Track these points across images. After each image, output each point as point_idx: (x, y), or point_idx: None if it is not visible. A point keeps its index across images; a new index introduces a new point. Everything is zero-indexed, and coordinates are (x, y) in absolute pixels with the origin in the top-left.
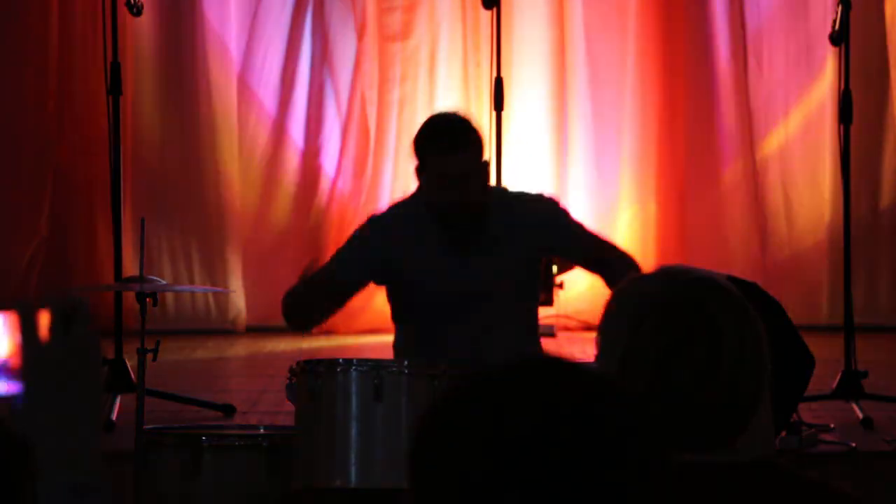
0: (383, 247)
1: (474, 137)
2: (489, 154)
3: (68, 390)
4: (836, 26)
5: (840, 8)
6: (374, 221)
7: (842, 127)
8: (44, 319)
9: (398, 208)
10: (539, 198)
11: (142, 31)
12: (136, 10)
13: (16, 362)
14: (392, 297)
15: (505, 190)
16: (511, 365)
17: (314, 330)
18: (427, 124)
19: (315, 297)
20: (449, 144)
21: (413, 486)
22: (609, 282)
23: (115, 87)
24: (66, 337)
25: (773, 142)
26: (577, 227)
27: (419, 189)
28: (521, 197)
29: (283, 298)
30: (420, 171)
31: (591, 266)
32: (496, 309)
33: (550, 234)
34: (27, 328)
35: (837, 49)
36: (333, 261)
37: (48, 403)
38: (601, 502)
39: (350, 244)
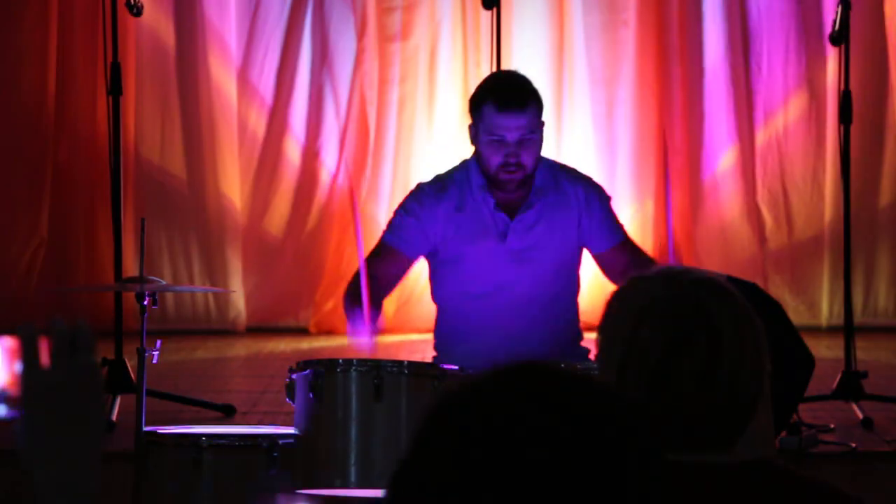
0: (430, 219)
1: (537, 98)
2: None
3: (67, 419)
4: (837, 26)
5: (840, 8)
6: (422, 191)
7: (842, 127)
8: (45, 345)
9: (442, 178)
10: (588, 179)
11: (142, 31)
12: (137, 11)
13: (15, 388)
14: (434, 274)
15: (555, 162)
16: (504, 369)
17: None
18: (490, 79)
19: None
20: (513, 100)
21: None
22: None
23: (115, 87)
24: (67, 364)
25: (772, 141)
26: (613, 220)
27: (474, 146)
28: (571, 174)
29: (346, 289)
30: (474, 129)
31: (604, 265)
32: (536, 293)
33: (581, 217)
34: (28, 353)
35: (837, 49)
36: (389, 238)
37: (46, 431)
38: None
39: (401, 218)
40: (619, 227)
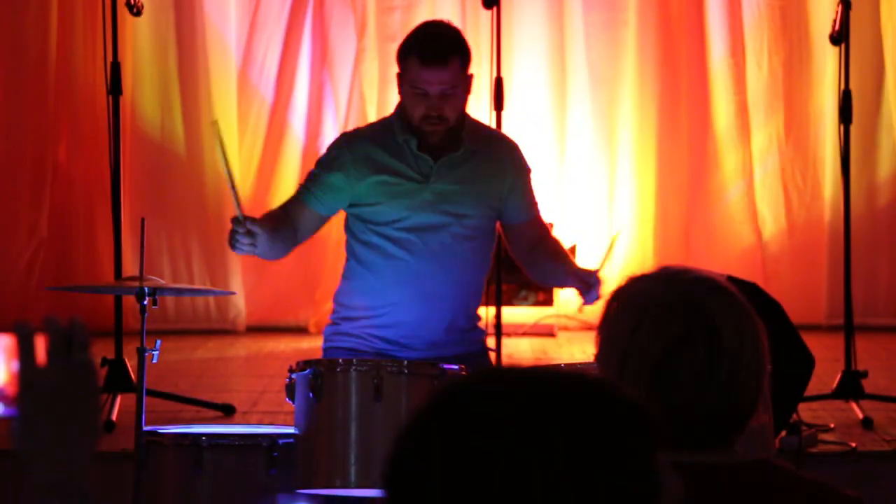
0: (358, 160)
1: (461, 52)
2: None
3: (63, 417)
4: (836, 26)
5: (840, 8)
6: (347, 138)
7: (842, 127)
8: (41, 343)
9: (371, 127)
10: (516, 145)
11: (142, 30)
12: (136, 11)
13: (12, 386)
14: (352, 220)
15: (478, 122)
16: (500, 369)
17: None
18: (417, 30)
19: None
20: (434, 55)
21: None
22: (522, 258)
23: (115, 86)
24: (63, 363)
25: (772, 141)
26: (532, 194)
27: (400, 96)
28: (500, 133)
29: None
30: (401, 79)
31: (514, 237)
32: (457, 249)
33: (511, 179)
34: (24, 351)
35: (837, 49)
36: (306, 196)
37: (43, 430)
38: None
39: (322, 174)
40: (536, 203)
